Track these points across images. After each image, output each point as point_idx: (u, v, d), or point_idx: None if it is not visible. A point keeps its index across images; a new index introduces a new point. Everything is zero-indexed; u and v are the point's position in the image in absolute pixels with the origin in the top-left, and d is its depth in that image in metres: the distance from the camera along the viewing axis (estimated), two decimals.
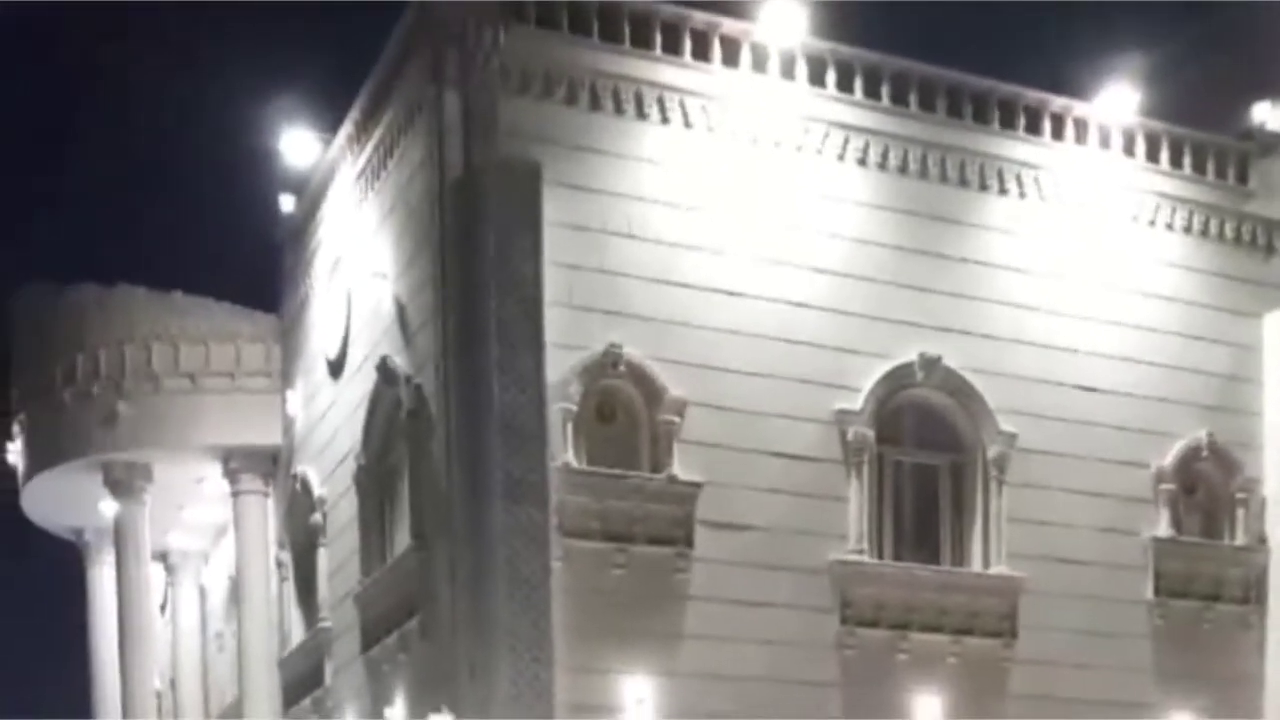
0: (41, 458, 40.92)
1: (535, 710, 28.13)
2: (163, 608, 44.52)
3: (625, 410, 29.89)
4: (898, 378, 31.51)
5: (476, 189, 29.25)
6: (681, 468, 29.65)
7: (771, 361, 30.44)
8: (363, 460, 33.16)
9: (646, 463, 29.79)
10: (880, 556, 31.40)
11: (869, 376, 31.22)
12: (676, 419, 29.68)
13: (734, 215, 30.45)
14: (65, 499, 41.66)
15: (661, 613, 29.50)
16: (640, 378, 29.64)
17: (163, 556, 43.53)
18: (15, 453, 41.91)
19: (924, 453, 32.21)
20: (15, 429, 41.78)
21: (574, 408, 29.28)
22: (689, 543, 29.55)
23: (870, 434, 31.17)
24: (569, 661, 28.51)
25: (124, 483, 39.64)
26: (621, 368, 29.50)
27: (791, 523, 30.35)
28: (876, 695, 30.77)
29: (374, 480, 33.04)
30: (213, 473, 38.97)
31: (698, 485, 29.65)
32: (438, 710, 27.80)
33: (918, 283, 31.64)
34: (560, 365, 29.06)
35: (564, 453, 29.14)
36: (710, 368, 29.93)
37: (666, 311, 29.79)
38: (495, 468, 28.75)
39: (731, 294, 30.20)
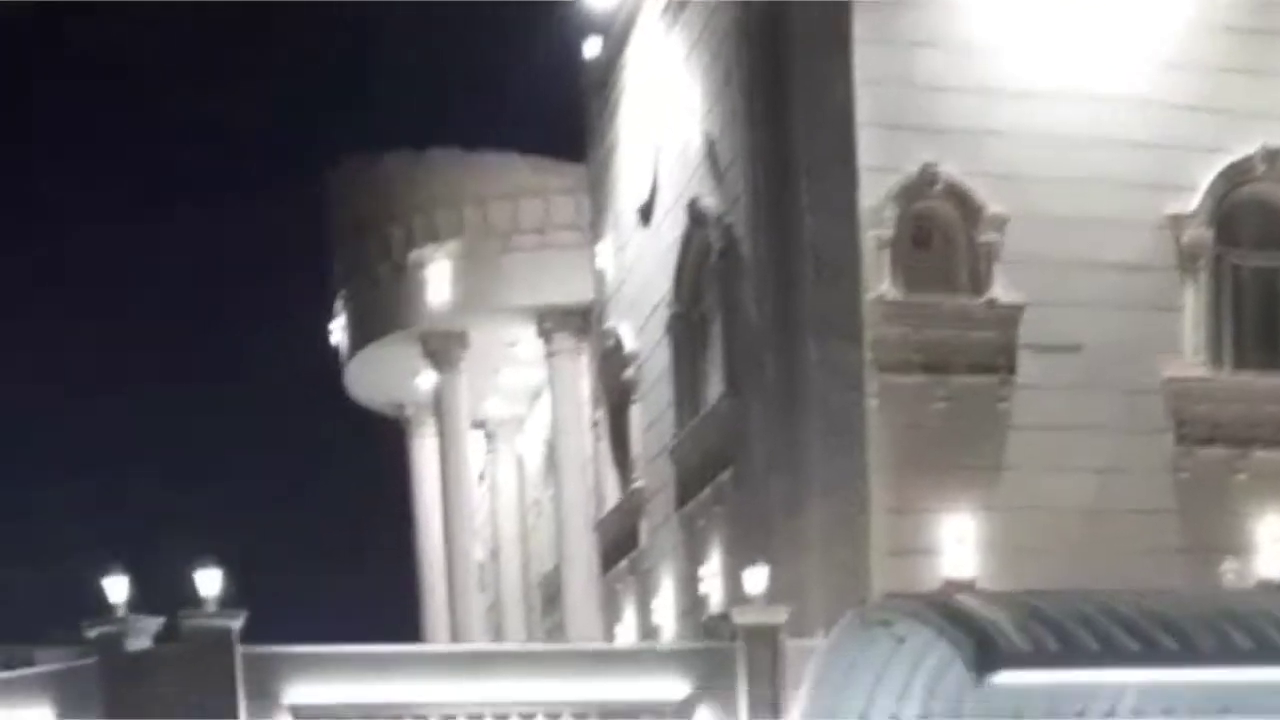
0: (362, 333, 40.95)
1: (851, 556, 26.82)
2: (481, 477, 44.07)
3: (942, 232, 28.17)
4: (1236, 173, 29.00)
5: (783, 11, 27.86)
6: (1002, 289, 27.78)
7: (1095, 166, 28.22)
8: (674, 309, 32.15)
9: (965, 287, 28.01)
10: (1219, 369, 29.03)
11: (1204, 174, 28.78)
12: (996, 237, 27.82)
13: (1048, 10, 28.31)
14: (385, 374, 41.49)
15: (982, 445, 27.78)
16: (958, 196, 27.87)
17: (480, 425, 43.03)
18: (338, 331, 41.97)
19: (1267, 254, 29.55)
20: (337, 306, 41.89)
21: (889, 234, 27.68)
22: (1011, 369, 27.72)
23: (1208, 236, 28.85)
24: (885, 503, 27.12)
25: (441, 352, 39.27)
26: (938, 187, 27.76)
27: (1121, 339, 28.17)
28: (1214, 521, 28.46)
29: (686, 329, 31.97)
30: (527, 335, 38.25)
31: (1020, 307, 27.71)
32: (753, 562, 26.43)
33: (1255, 66, 28.98)
34: (873, 190, 27.54)
35: (879, 283, 27.58)
36: (1030, 179, 27.91)
37: (983, 122, 27.90)
38: (807, 305, 27.62)
39: (1050, 97, 28.08)
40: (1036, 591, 24.39)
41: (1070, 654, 22.76)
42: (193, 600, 24.84)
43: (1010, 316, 27.75)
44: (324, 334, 42.46)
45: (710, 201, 30.30)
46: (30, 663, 35.25)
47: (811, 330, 27.44)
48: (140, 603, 25.02)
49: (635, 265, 34.23)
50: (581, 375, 37.65)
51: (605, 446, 36.20)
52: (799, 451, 27.47)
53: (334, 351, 42.36)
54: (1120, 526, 27.76)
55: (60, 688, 25.52)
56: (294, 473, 55.97)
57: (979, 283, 27.95)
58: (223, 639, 24.80)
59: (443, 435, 39.67)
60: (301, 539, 52.37)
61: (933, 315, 27.72)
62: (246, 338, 57.21)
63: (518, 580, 43.03)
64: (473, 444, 41.27)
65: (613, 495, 36.00)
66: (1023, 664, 22.69)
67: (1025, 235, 27.89)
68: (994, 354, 27.80)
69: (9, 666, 34.39)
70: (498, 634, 42.76)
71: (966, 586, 25.98)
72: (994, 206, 27.84)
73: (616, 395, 35.39)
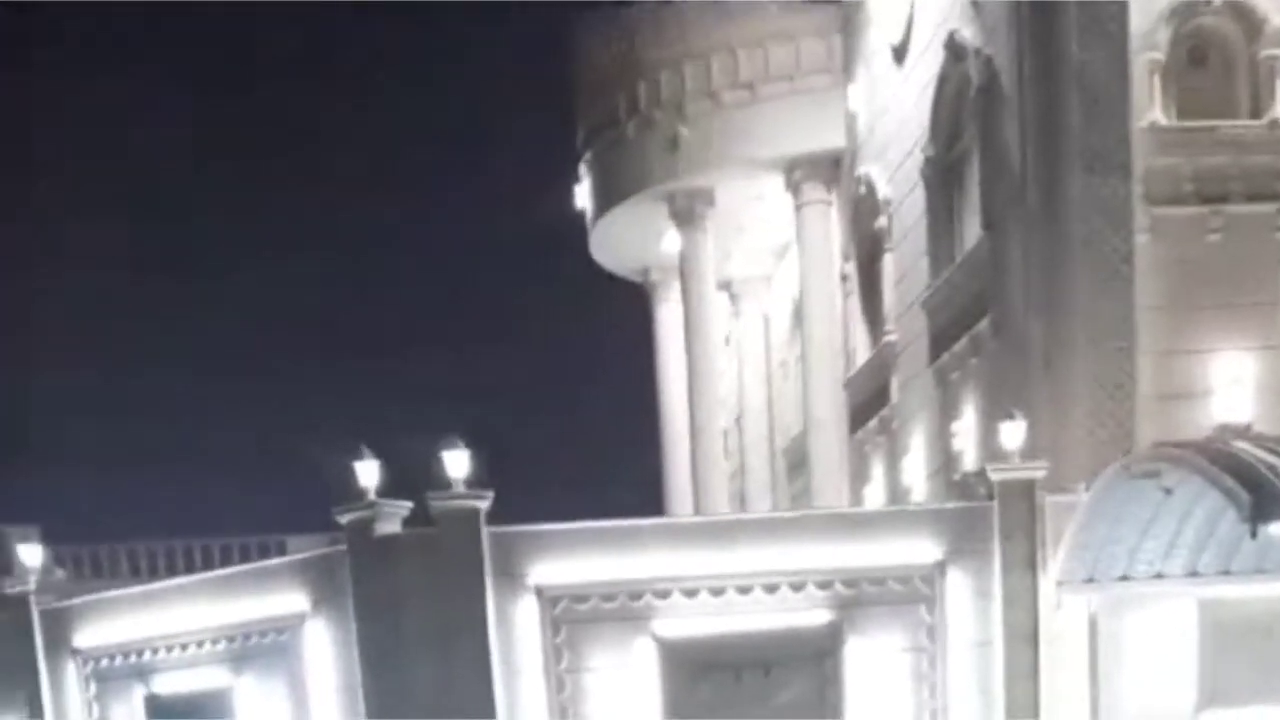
0: (608, 196, 39.60)
1: (1116, 403, 25.14)
2: (726, 340, 42.69)
3: (1219, 51, 26.14)
4: None
5: None
6: None
7: None
8: (930, 151, 30.44)
9: (1244, 109, 25.97)
10: None
11: None
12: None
13: None
14: (630, 237, 40.19)
15: (1261, 279, 25.72)
16: (1238, 10, 25.79)
17: (726, 286, 41.56)
18: (583, 195, 40.83)
19: None
20: (582, 170, 40.75)
21: (1161, 57, 25.68)
22: None
23: None
24: (1153, 345, 25.37)
25: (687, 211, 37.80)
26: (1216, 2, 25.66)
27: None
28: None
29: (942, 172, 30.25)
30: (774, 188, 36.55)
31: None
32: (1010, 416, 24.70)
33: None
34: (1144, 10, 25.56)
35: (1149, 110, 25.62)
36: None
37: None
38: (1073, 138, 25.81)
39: None
40: None
41: None
42: (441, 482, 24.41)
43: None
44: (569, 198, 41.39)
45: (969, 34, 28.44)
46: (284, 551, 35.41)
47: (1078, 164, 25.68)
48: (390, 487, 24.69)
49: (889, 108, 32.42)
50: (831, 228, 35.91)
51: (855, 301, 34.70)
52: (1062, 294, 25.76)
53: (579, 216, 41.27)
54: None
55: (312, 574, 25.45)
56: (538, 344, 55.23)
57: (1259, 104, 25.92)
58: (470, 520, 24.37)
59: (687, 298, 38.24)
60: (545, 411, 51.62)
61: (1208, 141, 25.72)
62: (489, 206, 56.51)
63: (763, 445, 41.64)
64: (718, 306, 39.87)
65: (862, 352, 34.57)
66: None
67: None
68: (1274, 180, 25.73)
69: (263, 556, 34.45)
70: (742, 502, 41.53)
71: (1242, 431, 24.22)
72: (1277, 19, 25.68)
73: (867, 246, 33.87)
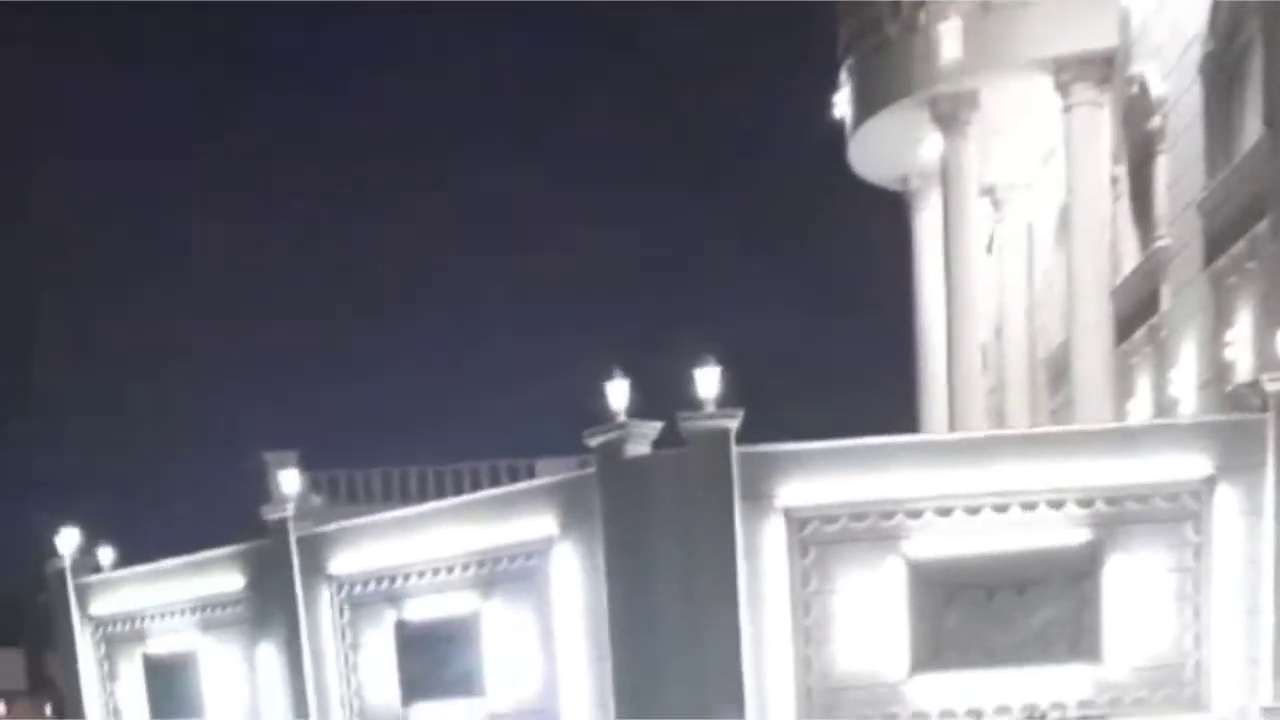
0: (869, 102, 38.21)
1: None
2: (988, 249, 41.19)
3: None
4: None
5: None
6: None
7: None
8: (1209, 45, 28.89)
9: None
10: None
11: None
12: None
13: None
14: (890, 144, 38.76)
15: None
16: None
17: (988, 193, 40.02)
18: (842, 103, 39.63)
19: None
20: (842, 77, 39.55)
21: None
22: None
23: None
24: None
25: (950, 116, 36.27)
26: None
27: None
28: None
29: (1221, 67, 28.67)
30: (1041, 90, 34.87)
31: None
32: None
33: None
34: None
35: None
36: None
37: None
38: None
39: None
40: None
41: None
42: (692, 401, 23.79)
43: None
44: (827, 108, 40.24)
45: None
46: (533, 475, 35.24)
47: None
48: (642, 408, 24.18)
49: (1164, 2, 30.79)
50: (1100, 129, 34.13)
51: (1125, 205, 33.09)
52: None
53: (837, 125, 40.15)
54: None
55: (561, 498, 25.19)
56: (792, 258, 54.20)
57: None
58: (721, 440, 23.68)
59: (948, 205, 36.75)
60: (800, 326, 50.61)
61: None
62: (745, 117, 55.49)
63: (1023, 358, 40.11)
64: (979, 214, 38.42)
65: (1131, 258, 33.03)
66: None
67: None
68: None
69: (513, 479, 34.19)
70: (999, 418, 39.89)
71: None
72: None
73: (1140, 148, 32.29)
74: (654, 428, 24.13)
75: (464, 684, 26.10)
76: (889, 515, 23.49)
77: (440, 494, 36.09)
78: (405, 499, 38.69)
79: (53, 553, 31.56)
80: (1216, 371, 28.39)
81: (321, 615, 27.64)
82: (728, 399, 23.71)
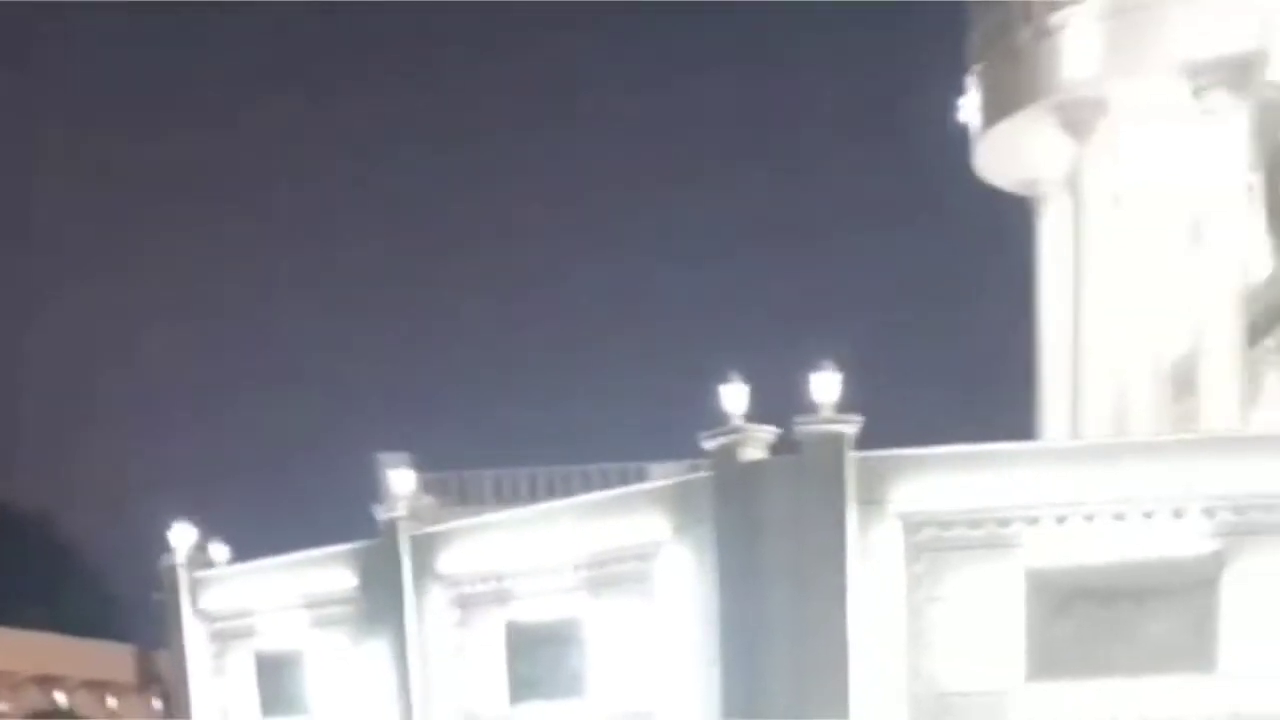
0: (998, 106, 37.61)
1: None
2: (1117, 255, 40.68)
3: None
4: None
5: None
6: None
7: None
8: None
9: None
10: None
11: None
12: None
13: None
14: (1020, 149, 38.18)
15: None
16: None
17: (1117, 198, 39.50)
18: (969, 108, 39.21)
19: None
20: (969, 81, 39.15)
21: None
22: None
23: None
24: None
25: (1080, 122, 35.70)
26: None
27: None
28: None
29: None
30: (1175, 95, 34.36)
31: None
32: None
33: None
34: None
35: None
36: None
37: None
38: None
39: None
40: None
41: None
42: (808, 406, 23.77)
43: None
44: (953, 111, 39.85)
45: None
46: (644, 478, 35.06)
47: None
48: (759, 412, 24.24)
49: None
50: (1236, 135, 33.64)
51: (1259, 212, 32.82)
52: None
53: (963, 129, 39.75)
54: None
55: (675, 501, 25.21)
56: (920, 261, 53.69)
57: None
58: (836, 446, 23.65)
59: (1077, 211, 36.35)
60: (921, 331, 50.13)
61: None
62: (870, 118, 55.08)
63: (1149, 364, 39.60)
64: (1108, 219, 37.96)
65: (1264, 264, 32.84)
66: None
67: None
68: None
69: (623, 482, 34.02)
70: (1122, 424, 39.30)
71: None
72: None
73: (1276, 154, 32.19)
74: (771, 432, 24.11)
75: (572, 685, 26.03)
76: (1005, 522, 23.24)
77: (551, 496, 35.77)
78: (516, 500, 38.51)
79: (166, 548, 31.84)
80: None
81: (430, 614, 27.67)
82: (846, 404, 23.60)
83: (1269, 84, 32.02)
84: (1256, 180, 32.95)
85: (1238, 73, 33.39)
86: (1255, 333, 32.97)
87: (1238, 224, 33.56)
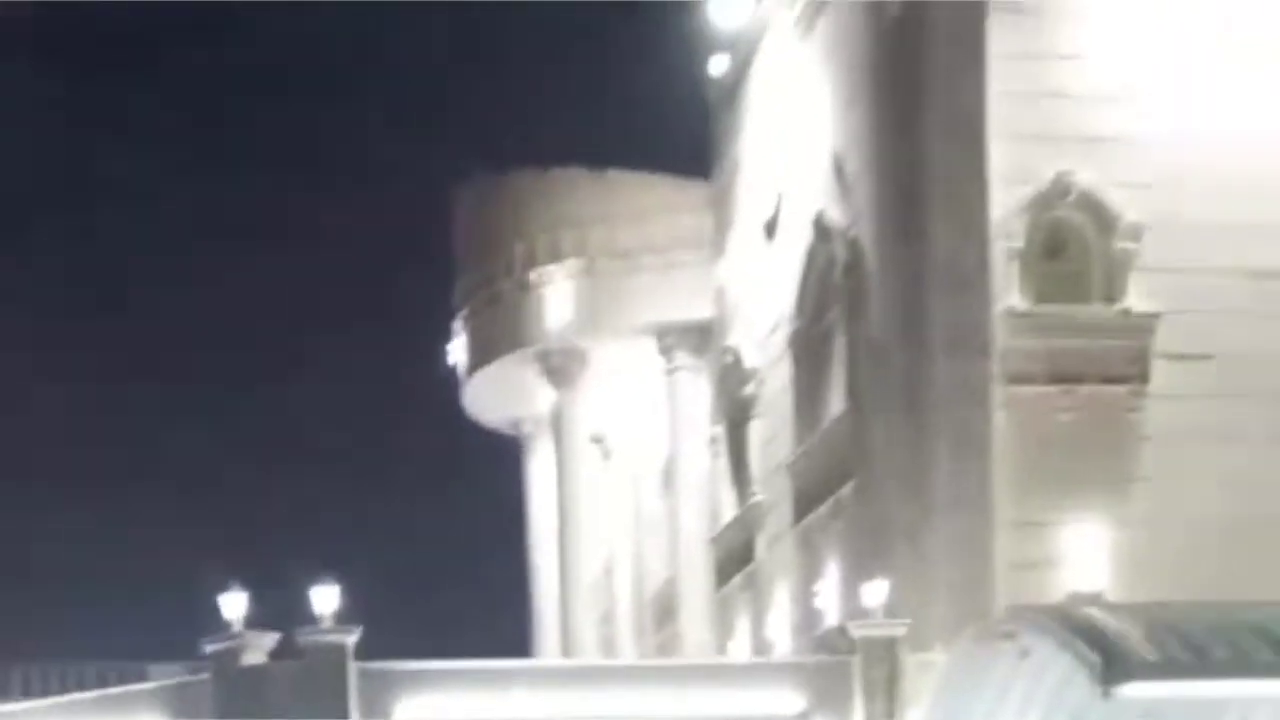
0: (483, 352, 41.07)
1: (974, 570, 26.44)
2: (596, 492, 43.92)
3: (1076, 242, 27.66)
4: None
5: (918, 23, 27.61)
6: (1137, 298, 27.20)
7: (1242, 169, 27.30)
8: (797, 324, 31.98)
9: (1098, 296, 27.48)
10: None
11: None
12: (1133, 245, 27.24)
13: (1182, 18, 27.65)
14: (504, 392, 41.63)
15: (1112, 456, 27.20)
16: (1092, 205, 27.38)
17: (598, 441, 42.89)
18: (457, 350, 42.11)
19: None
20: (457, 325, 41.99)
21: (1019, 245, 27.18)
22: (1144, 379, 27.14)
23: None
24: (1009, 516, 26.68)
25: (561, 370, 39.38)
26: (1071, 197, 27.27)
27: (1264, 347, 27.27)
28: None
29: (808, 344, 31.76)
30: (646, 352, 38.13)
31: (1155, 316, 27.12)
32: (871, 577, 26.13)
33: None
34: (1003, 202, 27.08)
35: (1007, 295, 27.12)
36: (1169, 186, 27.17)
37: (1117, 130, 27.25)
38: (936, 318, 27.30)
39: (1187, 102, 27.31)
40: (1165, 603, 23.96)
41: (1200, 665, 22.28)
42: (309, 617, 25.10)
43: (1145, 325, 27.23)
44: (441, 354, 42.68)
45: (836, 215, 30.10)
46: (144, 679, 35.35)
47: (939, 344, 27.14)
48: (257, 619, 25.26)
49: (757, 282, 33.97)
50: (700, 392, 37.50)
51: (723, 463, 35.89)
52: (923, 466, 27.17)
53: (451, 371, 42.50)
54: (1257, 537, 26.85)
55: (174, 702, 25.77)
56: (410, 491, 55.98)
57: (1112, 292, 27.43)
58: (337, 655, 25.01)
59: (560, 452, 39.68)
60: (416, 556, 52.31)
61: (1063, 325, 27.30)
62: (361, 357, 57.28)
63: (630, 596, 42.79)
64: (589, 460, 41.22)
65: (729, 510, 35.70)
66: (1151, 675, 22.27)
67: (1163, 244, 27.17)
68: (1126, 363, 27.31)
69: (123, 683, 34.58)
70: (610, 649, 42.51)
71: (1093, 599, 25.38)
72: (1131, 214, 27.25)
73: (735, 411, 35.17)
74: (271, 638, 25.15)
75: None
76: None
77: (45, 694, 35.93)
78: (8, 697, 38.61)
79: None
80: (808, 617, 30.69)
81: None
82: (347, 616, 24.91)
83: (728, 349, 35.37)
84: (720, 433, 35.94)
85: (698, 337, 37.60)
86: (725, 570, 35.63)
87: (702, 471, 37.36)
